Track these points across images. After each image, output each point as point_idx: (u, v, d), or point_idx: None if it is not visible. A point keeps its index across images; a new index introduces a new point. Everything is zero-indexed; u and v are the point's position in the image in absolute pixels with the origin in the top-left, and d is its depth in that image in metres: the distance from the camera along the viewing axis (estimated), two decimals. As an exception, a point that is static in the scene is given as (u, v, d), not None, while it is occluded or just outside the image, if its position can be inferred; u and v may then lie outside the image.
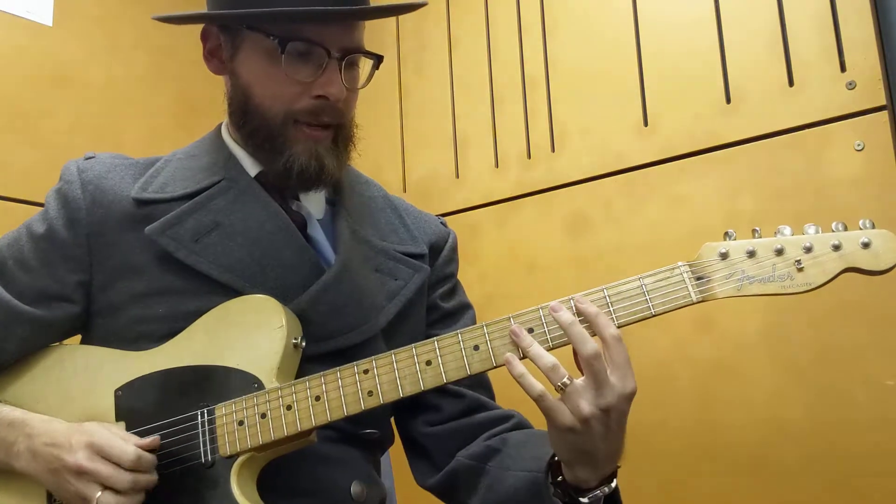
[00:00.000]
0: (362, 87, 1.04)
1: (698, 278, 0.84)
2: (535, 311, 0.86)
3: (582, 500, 0.85)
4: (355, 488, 0.98)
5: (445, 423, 1.07)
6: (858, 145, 1.42)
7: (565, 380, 0.80)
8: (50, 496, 0.95)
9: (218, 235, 0.98)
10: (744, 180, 1.54)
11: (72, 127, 1.97)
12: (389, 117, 2.12)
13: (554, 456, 0.88)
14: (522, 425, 1.07)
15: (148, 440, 0.90)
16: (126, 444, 0.88)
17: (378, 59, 1.03)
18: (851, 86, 1.44)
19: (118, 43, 2.12)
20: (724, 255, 0.84)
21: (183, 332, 0.96)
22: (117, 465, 0.87)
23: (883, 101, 1.40)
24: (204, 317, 0.96)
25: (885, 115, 1.40)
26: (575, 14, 1.83)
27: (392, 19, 2.14)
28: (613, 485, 0.86)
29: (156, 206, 0.99)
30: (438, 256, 1.14)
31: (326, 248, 1.04)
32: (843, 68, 1.45)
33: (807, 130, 1.48)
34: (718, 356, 1.53)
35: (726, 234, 0.86)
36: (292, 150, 0.99)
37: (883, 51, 1.44)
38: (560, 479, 0.87)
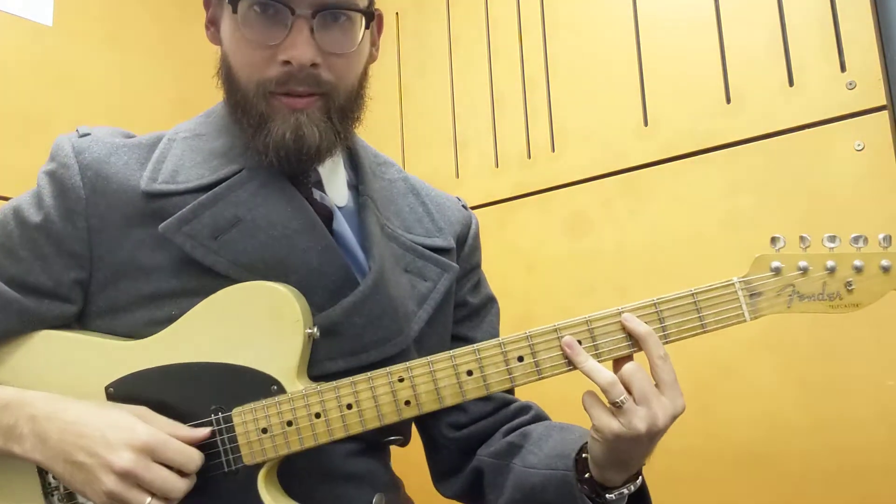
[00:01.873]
0: (353, 49, 0.90)
1: (752, 295, 0.81)
2: (581, 322, 0.83)
3: (608, 496, 0.86)
4: (376, 501, 0.94)
5: (472, 425, 1.04)
6: (858, 145, 1.42)
7: (623, 397, 0.79)
8: (44, 481, 0.87)
9: (238, 232, 0.88)
10: (744, 180, 1.54)
11: (72, 127, 1.95)
12: (389, 117, 2.11)
13: (581, 452, 0.88)
14: (540, 417, 1.05)
15: (203, 433, 0.83)
16: (186, 446, 0.81)
17: (368, 17, 0.89)
18: (851, 86, 1.43)
19: (118, 43, 2.11)
20: (777, 270, 0.81)
21: (179, 321, 0.86)
22: (178, 470, 0.79)
23: (883, 101, 1.40)
24: (204, 305, 0.86)
25: (885, 115, 1.40)
26: (575, 14, 1.83)
27: (392, 20, 2.15)
28: (639, 482, 0.88)
29: (168, 199, 0.88)
30: (464, 247, 1.08)
31: (354, 244, 0.95)
32: (843, 68, 1.45)
33: (807, 130, 1.48)
34: (718, 356, 1.53)
35: (774, 239, 0.81)
36: (270, 125, 0.88)
37: (883, 51, 1.43)
38: (588, 475, 0.87)
